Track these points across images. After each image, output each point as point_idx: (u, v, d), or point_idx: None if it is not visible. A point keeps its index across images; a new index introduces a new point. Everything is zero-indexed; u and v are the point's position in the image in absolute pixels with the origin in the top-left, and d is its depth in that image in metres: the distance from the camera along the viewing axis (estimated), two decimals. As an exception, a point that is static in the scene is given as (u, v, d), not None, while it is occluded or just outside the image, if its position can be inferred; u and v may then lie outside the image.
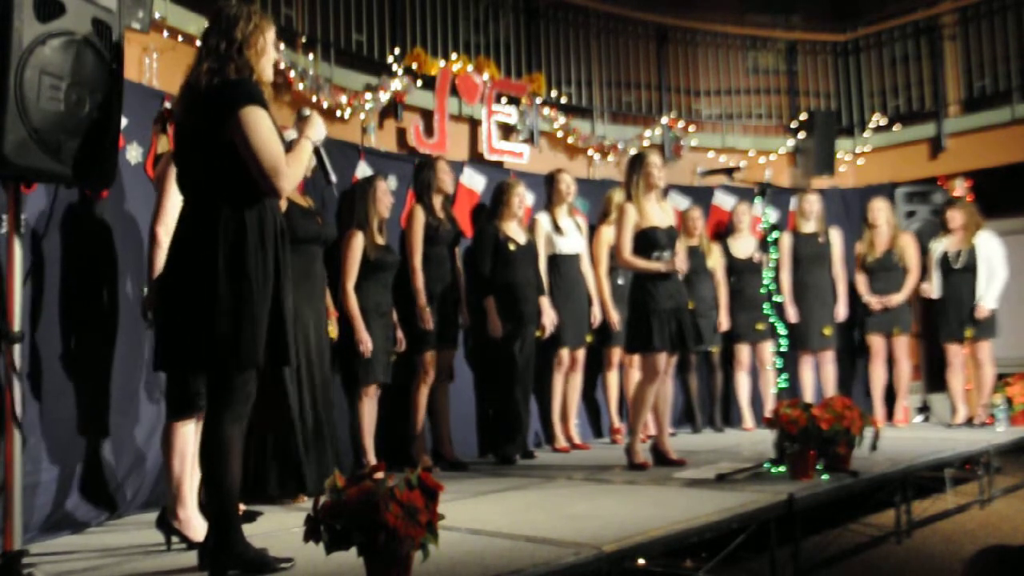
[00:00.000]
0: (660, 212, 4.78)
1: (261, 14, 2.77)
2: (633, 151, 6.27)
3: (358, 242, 4.66)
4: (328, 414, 4.23)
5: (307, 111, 2.89)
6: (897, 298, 6.53)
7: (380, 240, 4.80)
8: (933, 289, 6.58)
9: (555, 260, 5.75)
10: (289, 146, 2.73)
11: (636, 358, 5.51)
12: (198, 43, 2.76)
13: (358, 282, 4.66)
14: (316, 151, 2.85)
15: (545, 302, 5.55)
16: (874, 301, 6.59)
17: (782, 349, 4.88)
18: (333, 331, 4.40)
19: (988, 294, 6.35)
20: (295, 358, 3.34)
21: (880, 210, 6.70)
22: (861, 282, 6.72)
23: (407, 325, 4.98)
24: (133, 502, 3.85)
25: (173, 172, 3.23)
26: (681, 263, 4.74)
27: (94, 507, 3.66)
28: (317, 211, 4.30)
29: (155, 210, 3.35)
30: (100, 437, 3.76)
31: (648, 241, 4.67)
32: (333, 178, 2.96)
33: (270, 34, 2.76)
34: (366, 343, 4.60)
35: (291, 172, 2.67)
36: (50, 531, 3.39)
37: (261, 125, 2.60)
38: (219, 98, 2.60)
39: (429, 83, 6.26)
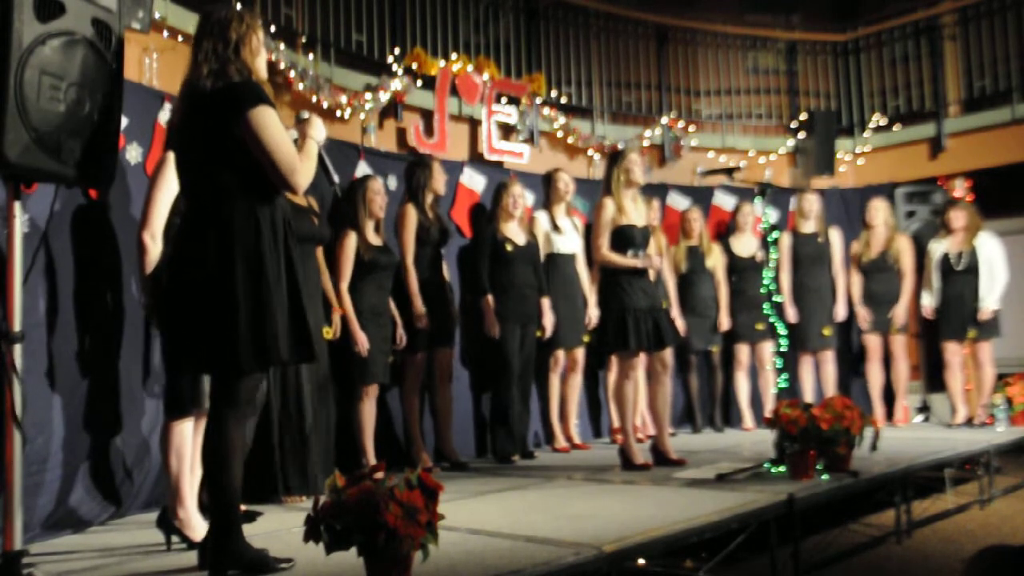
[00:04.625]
0: (636, 210, 4.75)
1: (251, 13, 2.78)
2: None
3: (351, 243, 4.66)
4: (325, 414, 4.22)
5: (306, 113, 2.92)
6: (900, 311, 6.53)
7: (375, 240, 4.79)
8: (931, 303, 6.59)
9: (552, 259, 5.75)
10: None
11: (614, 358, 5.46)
12: (192, 46, 2.75)
13: (353, 283, 4.66)
14: (318, 152, 2.86)
15: (546, 303, 5.55)
16: (864, 315, 6.61)
17: (782, 349, 4.88)
18: (328, 332, 4.39)
19: (990, 296, 6.35)
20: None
21: (878, 210, 6.70)
22: (856, 283, 6.72)
23: (403, 326, 4.97)
24: (135, 501, 3.85)
25: (162, 178, 3.24)
26: (656, 262, 4.73)
27: (97, 506, 3.66)
28: (312, 210, 4.30)
29: (142, 216, 3.35)
30: (104, 436, 3.76)
31: (624, 238, 4.64)
32: (335, 178, 2.98)
33: (261, 33, 2.77)
34: (362, 343, 4.59)
35: (305, 169, 2.70)
36: (53, 529, 3.40)
37: (273, 125, 2.60)
38: (226, 100, 2.60)
39: (429, 83, 6.26)
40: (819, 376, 6.65)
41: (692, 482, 4.04)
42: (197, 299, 2.58)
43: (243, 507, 3.29)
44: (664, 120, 7.65)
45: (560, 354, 5.76)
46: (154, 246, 3.26)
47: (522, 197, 5.54)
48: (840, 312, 6.71)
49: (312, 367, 4.12)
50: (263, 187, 2.64)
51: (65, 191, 3.34)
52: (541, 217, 5.81)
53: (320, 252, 4.41)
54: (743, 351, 6.71)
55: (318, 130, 2.85)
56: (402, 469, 2.48)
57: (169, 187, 3.21)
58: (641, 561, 2.96)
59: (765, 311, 5.98)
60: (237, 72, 2.65)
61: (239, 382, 2.61)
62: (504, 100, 6.69)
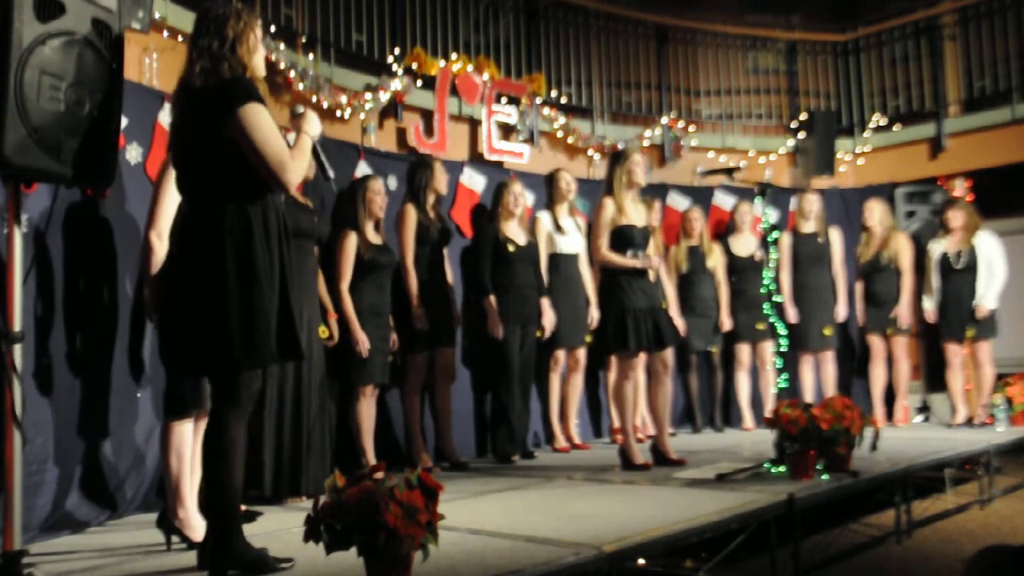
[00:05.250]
0: (636, 211, 4.74)
1: (248, 10, 2.77)
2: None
3: (351, 242, 4.66)
4: (322, 414, 4.22)
5: (300, 108, 2.91)
6: (902, 312, 6.52)
7: (375, 240, 4.79)
8: (932, 307, 6.59)
9: (555, 259, 5.75)
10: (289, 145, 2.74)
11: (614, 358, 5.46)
12: (188, 43, 2.75)
13: (354, 283, 4.66)
14: (313, 148, 2.86)
15: (546, 303, 5.55)
16: (861, 319, 6.71)
17: (782, 349, 4.87)
18: (324, 332, 4.38)
19: (988, 294, 6.35)
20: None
21: (873, 211, 6.71)
22: (859, 286, 6.73)
23: (398, 326, 4.97)
24: (133, 502, 3.85)
25: (168, 178, 3.24)
26: (655, 262, 4.73)
27: (94, 507, 3.65)
28: (312, 208, 4.31)
29: (148, 216, 3.36)
30: (100, 437, 3.76)
31: (624, 239, 4.63)
32: (331, 173, 2.98)
33: (259, 30, 2.77)
34: (363, 343, 4.59)
35: (296, 166, 2.69)
36: (50, 531, 3.39)
37: (262, 122, 2.60)
38: (217, 98, 2.60)
39: (429, 83, 6.26)
40: (819, 376, 6.65)
41: (692, 482, 4.04)
42: (191, 298, 2.59)
43: (243, 507, 3.30)
44: (664, 120, 7.65)
45: (561, 354, 5.76)
46: (161, 246, 3.26)
47: (522, 196, 5.54)
48: (840, 312, 6.71)
49: (309, 367, 4.12)
50: (255, 185, 2.64)
51: (65, 191, 3.34)
52: (544, 217, 5.81)
53: (316, 252, 4.41)
54: (743, 351, 6.70)
55: (312, 125, 2.84)
56: (402, 469, 2.48)
57: (175, 187, 3.21)
58: (641, 561, 2.96)
59: (765, 311, 5.98)
60: (230, 70, 2.65)
61: (238, 380, 2.61)
62: (504, 100, 6.69)
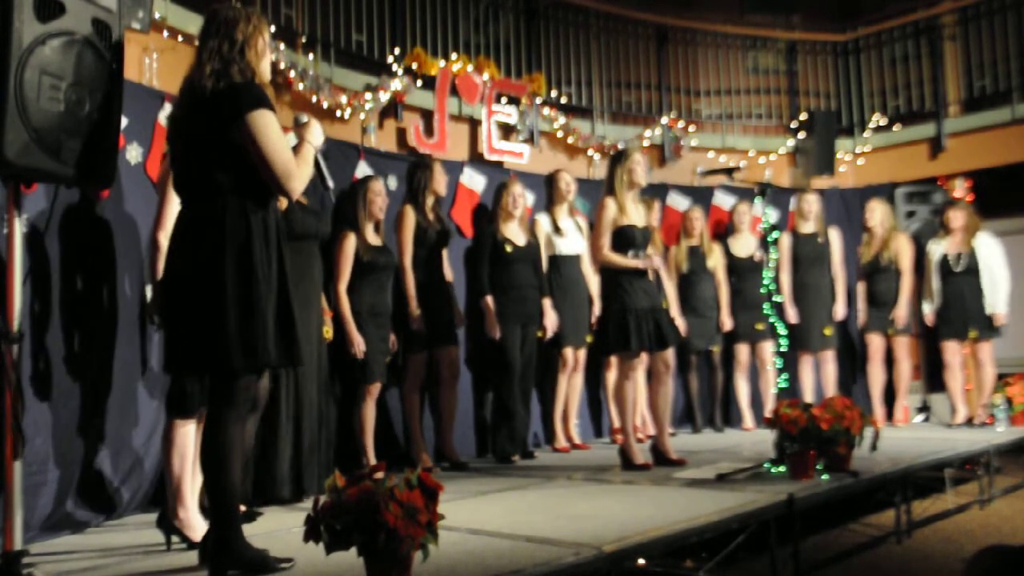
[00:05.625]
0: (637, 211, 4.74)
1: (258, 15, 2.77)
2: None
3: (350, 243, 4.66)
4: (325, 414, 4.22)
5: (304, 117, 2.91)
6: (900, 312, 6.52)
7: (375, 241, 4.79)
8: (931, 310, 6.59)
9: (555, 260, 5.75)
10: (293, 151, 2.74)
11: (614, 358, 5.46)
12: (197, 44, 2.75)
13: (353, 283, 4.66)
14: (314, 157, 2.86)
15: (547, 303, 5.55)
16: (862, 319, 6.71)
17: (782, 349, 4.87)
18: (328, 332, 4.39)
19: (999, 300, 6.34)
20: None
21: (874, 211, 6.70)
22: (860, 287, 6.73)
23: (397, 327, 4.97)
24: (132, 502, 3.85)
25: None
26: (657, 263, 4.73)
27: (93, 508, 3.65)
28: (314, 208, 4.31)
29: (156, 215, 3.36)
30: (100, 437, 3.75)
31: (625, 239, 4.63)
32: (330, 183, 2.98)
33: (267, 35, 2.77)
34: (358, 344, 4.59)
35: (301, 174, 2.70)
36: (50, 531, 3.39)
37: (271, 129, 2.61)
38: (227, 102, 2.60)
39: (429, 83, 6.26)
40: (819, 376, 6.65)
41: (692, 482, 4.04)
42: (188, 298, 2.59)
43: (243, 507, 3.30)
44: (664, 120, 7.65)
45: (569, 353, 5.74)
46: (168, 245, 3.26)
47: (522, 196, 5.54)
48: (839, 310, 6.71)
49: (318, 367, 4.12)
50: (257, 188, 2.64)
51: (64, 191, 3.34)
52: (542, 219, 5.81)
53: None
54: (743, 351, 6.70)
55: (316, 135, 2.84)
56: (402, 469, 2.48)
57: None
58: (641, 561, 2.96)
59: (765, 311, 5.98)
60: (239, 73, 2.65)
61: (235, 382, 2.61)
62: (504, 100, 6.69)
